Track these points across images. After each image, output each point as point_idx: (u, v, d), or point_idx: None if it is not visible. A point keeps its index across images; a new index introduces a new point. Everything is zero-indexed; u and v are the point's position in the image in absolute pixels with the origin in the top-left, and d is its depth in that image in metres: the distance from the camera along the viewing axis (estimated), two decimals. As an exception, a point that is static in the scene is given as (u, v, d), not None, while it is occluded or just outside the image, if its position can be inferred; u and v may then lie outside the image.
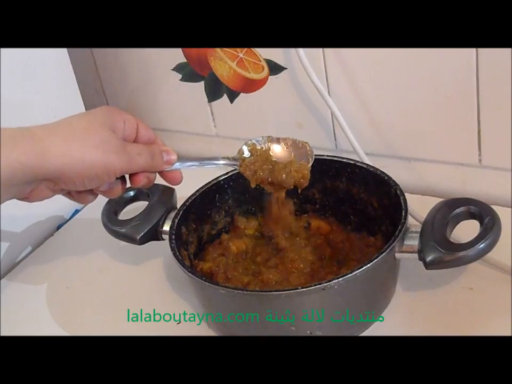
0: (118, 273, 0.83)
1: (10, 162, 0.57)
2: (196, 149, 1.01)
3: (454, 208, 0.68)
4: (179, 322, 0.75)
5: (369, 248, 0.75)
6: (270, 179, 0.71)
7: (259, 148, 0.72)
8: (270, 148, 0.73)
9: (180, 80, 0.97)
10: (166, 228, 0.75)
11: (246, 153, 0.72)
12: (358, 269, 0.64)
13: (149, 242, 0.77)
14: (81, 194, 0.64)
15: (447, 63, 0.78)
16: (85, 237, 0.90)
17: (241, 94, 0.94)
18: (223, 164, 0.71)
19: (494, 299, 0.70)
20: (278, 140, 0.73)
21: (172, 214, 0.76)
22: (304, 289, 0.64)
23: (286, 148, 0.73)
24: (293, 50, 0.85)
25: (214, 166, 0.70)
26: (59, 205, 0.92)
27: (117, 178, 0.63)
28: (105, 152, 0.60)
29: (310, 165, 0.72)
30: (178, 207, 0.76)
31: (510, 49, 0.73)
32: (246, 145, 0.72)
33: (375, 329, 0.70)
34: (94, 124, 0.61)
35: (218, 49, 0.91)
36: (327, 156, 0.80)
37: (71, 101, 0.92)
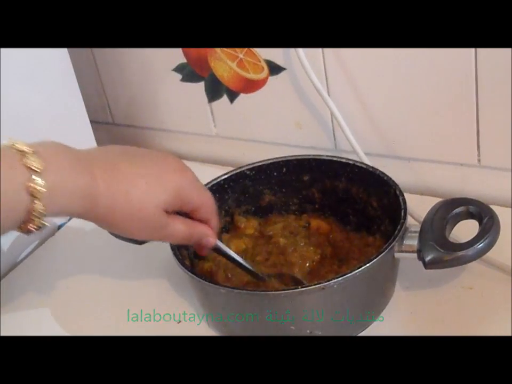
0: (118, 273, 0.83)
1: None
2: (196, 149, 1.01)
3: (453, 208, 0.68)
4: (179, 322, 0.75)
5: (369, 247, 0.75)
6: None
7: None
8: None
9: (180, 80, 0.97)
10: (166, 227, 0.75)
11: None
12: (357, 269, 0.64)
13: (149, 242, 0.77)
14: None
15: (447, 63, 0.78)
16: (85, 237, 0.90)
17: (241, 94, 0.94)
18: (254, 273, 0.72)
19: (494, 299, 0.71)
20: None
21: (172, 214, 0.76)
22: (304, 288, 0.64)
23: None
24: (292, 50, 0.85)
25: (247, 268, 0.71)
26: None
27: None
28: (138, 228, 0.62)
29: None
30: (178, 207, 0.76)
31: (509, 49, 0.73)
32: None
33: (375, 329, 0.70)
34: (155, 199, 0.61)
35: (218, 50, 0.91)
36: (327, 156, 0.80)
37: (71, 101, 0.92)
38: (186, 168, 0.65)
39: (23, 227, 0.56)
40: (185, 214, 0.65)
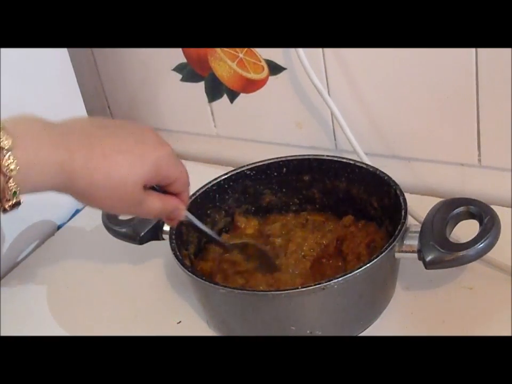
0: (118, 273, 0.83)
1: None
2: (196, 149, 1.01)
3: (454, 208, 0.68)
4: (179, 322, 0.75)
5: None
6: None
7: None
8: None
9: (180, 80, 0.97)
10: (166, 227, 0.75)
11: None
12: (357, 269, 0.64)
13: (149, 242, 0.77)
14: None
15: (447, 63, 0.78)
16: (85, 237, 0.90)
17: (241, 94, 0.94)
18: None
19: (494, 299, 0.71)
20: None
21: (172, 214, 0.76)
22: (304, 289, 0.64)
23: None
24: (293, 50, 0.85)
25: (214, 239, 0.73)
26: (59, 205, 0.92)
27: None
28: (116, 203, 0.61)
29: None
30: (178, 207, 0.76)
31: (509, 49, 0.73)
32: None
33: (375, 329, 0.70)
34: (134, 175, 0.60)
35: (218, 50, 0.91)
36: (327, 156, 0.80)
37: (71, 101, 0.92)
38: (164, 142, 0.64)
39: None
40: (158, 186, 0.65)
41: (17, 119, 0.56)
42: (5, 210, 0.55)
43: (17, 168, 0.53)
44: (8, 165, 0.53)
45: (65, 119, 0.60)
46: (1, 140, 0.53)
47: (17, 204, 0.55)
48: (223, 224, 0.81)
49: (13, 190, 0.54)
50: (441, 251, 0.65)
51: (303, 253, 0.75)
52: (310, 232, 0.78)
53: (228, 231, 0.81)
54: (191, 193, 0.77)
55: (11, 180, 0.53)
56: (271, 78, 0.90)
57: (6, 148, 0.53)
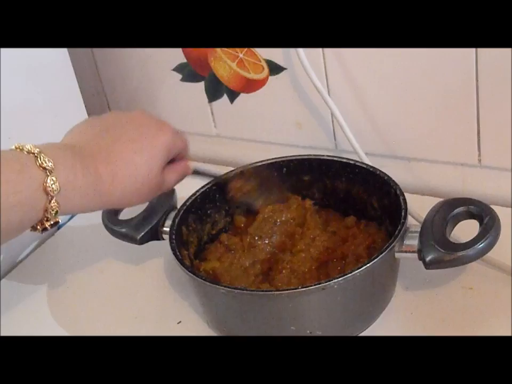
0: (118, 273, 0.83)
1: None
2: (196, 149, 1.01)
3: (454, 208, 0.68)
4: (179, 322, 0.75)
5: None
6: None
7: None
8: None
9: (180, 80, 0.97)
10: (166, 227, 0.75)
11: None
12: (357, 269, 0.64)
13: (149, 242, 0.77)
14: None
15: (447, 63, 0.78)
16: (85, 237, 0.90)
17: (241, 94, 0.94)
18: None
19: (494, 299, 0.70)
20: None
21: (172, 214, 0.76)
22: (304, 289, 0.64)
23: None
24: (293, 50, 0.85)
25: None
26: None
27: None
28: (145, 195, 0.67)
29: None
30: (178, 207, 0.76)
31: (510, 49, 0.73)
32: None
33: (375, 329, 0.70)
34: (154, 166, 0.66)
35: (218, 49, 0.91)
36: (327, 156, 0.80)
37: (71, 101, 0.92)
38: (161, 121, 0.69)
39: (39, 225, 0.60)
40: None
41: (49, 145, 0.61)
42: (44, 230, 0.61)
43: (59, 189, 0.58)
44: (51, 185, 0.58)
45: (70, 131, 0.67)
46: (44, 161, 0.58)
47: (56, 223, 0.60)
48: (223, 224, 0.81)
49: (55, 210, 0.59)
50: (441, 251, 0.65)
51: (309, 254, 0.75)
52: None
53: (227, 231, 0.81)
54: (191, 193, 0.78)
55: (53, 200, 0.58)
56: (271, 78, 0.90)
57: (49, 169, 0.58)
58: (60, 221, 0.61)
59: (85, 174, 0.61)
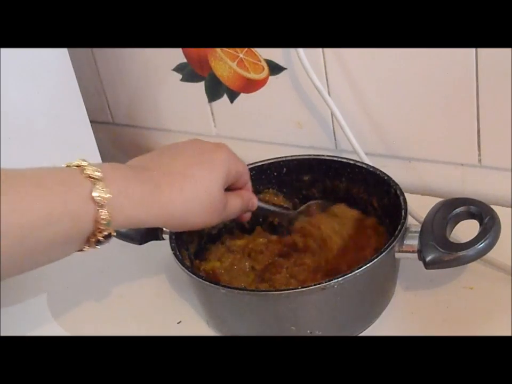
0: (118, 273, 0.83)
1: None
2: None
3: (454, 208, 0.68)
4: (179, 322, 0.75)
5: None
6: None
7: None
8: None
9: (180, 80, 0.97)
10: (166, 227, 0.75)
11: None
12: (357, 269, 0.64)
13: (149, 242, 0.77)
14: None
15: (447, 63, 0.78)
16: (85, 237, 0.90)
17: (241, 94, 0.94)
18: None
19: (494, 299, 0.71)
20: None
21: (172, 214, 0.76)
22: (304, 289, 0.64)
23: None
24: (293, 50, 0.85)
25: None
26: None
27: None
28: (209, 215, 0.64)
29: None
30: (178, 207, 0.76)
31: (510, 49, 0.73)
32: None
33: (375, 329, 0.70)
34: (215, 182, 0.63)
35: (218, 49, 0.91)
36: (327, 156, 0.80)
37: (71, 101, 0.92)
38: (218, 143, 0.67)
39: (91, 238, 0.57)
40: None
41: (98, 163, 0.59)
42: (98, 242, 0.58)
43: (109, 196, 0.56)
44: (99, 193, 0.55)
45: (133, 159, 0.65)
46: (92, 172, 0.56)
47: (109, 235, 0.57)
48: (223, 224, 0.81)
49: (107, 220, 0.56)
50: (441, 251, 0.65)
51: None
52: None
53: (230, 232, 0.81)
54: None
55: (103, 210, 0.56)
56: (271, 78, 0.90)
57: (97, 177, 0.56)
58: (114, 233, 0.58)
59: (141, 182, 0.59)
